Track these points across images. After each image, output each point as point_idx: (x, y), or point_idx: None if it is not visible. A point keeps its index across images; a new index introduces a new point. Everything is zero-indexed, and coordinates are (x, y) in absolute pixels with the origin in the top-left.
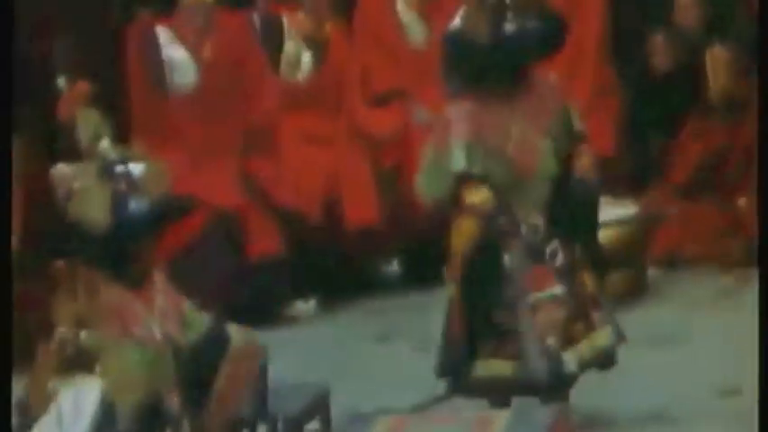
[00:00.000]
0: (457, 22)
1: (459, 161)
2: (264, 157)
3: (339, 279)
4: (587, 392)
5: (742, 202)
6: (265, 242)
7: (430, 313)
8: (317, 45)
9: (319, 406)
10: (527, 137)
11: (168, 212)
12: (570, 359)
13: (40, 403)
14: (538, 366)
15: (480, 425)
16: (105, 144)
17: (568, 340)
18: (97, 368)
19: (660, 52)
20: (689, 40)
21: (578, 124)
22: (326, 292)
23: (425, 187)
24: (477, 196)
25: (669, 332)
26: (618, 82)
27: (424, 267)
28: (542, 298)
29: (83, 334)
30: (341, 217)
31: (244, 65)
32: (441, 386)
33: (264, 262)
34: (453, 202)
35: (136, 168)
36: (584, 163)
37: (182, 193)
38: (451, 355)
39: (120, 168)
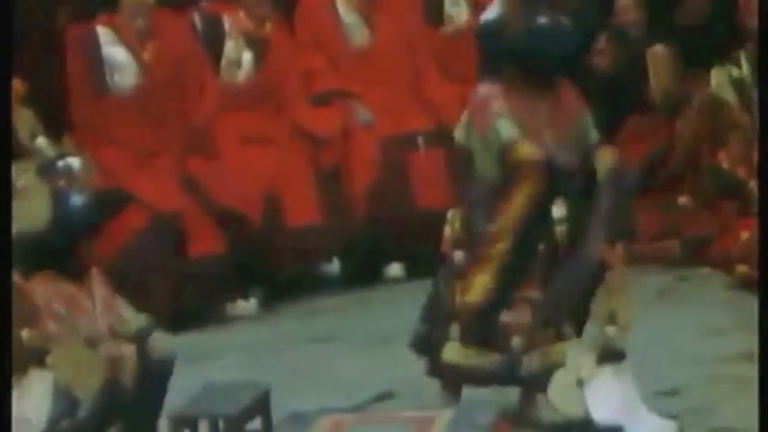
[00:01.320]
0: (493, 10)
1: (506, 129)
2: (205, 157)
3: (280, 278)
4: None
5: (683, 201)
6: (206, 242)
7: (370, 312)
8: (258, 45)
9: (260, 405)
10: (559, 131)
11: (106, 207)
12: (532, 362)
13: None
14: (497, 361)
15: (421, 424)
16: (41, 142)
17: (532, 344)
18: (48, 360)
19: (601, 53)
20: (630, 40)
21: (594, 134)
22: (267, 291)
23: (483, 165)
24: (529, 149)
25: None
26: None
27: (364, 266)
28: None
29: (24, 333)
30: (281, 216)
31: (184, 65)
32: (382, 386)
33: (205, 262)
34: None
35: (74, 163)
36: (609, 158)
37: (116, 188)
38: (428, 329)
39: (61, 164)
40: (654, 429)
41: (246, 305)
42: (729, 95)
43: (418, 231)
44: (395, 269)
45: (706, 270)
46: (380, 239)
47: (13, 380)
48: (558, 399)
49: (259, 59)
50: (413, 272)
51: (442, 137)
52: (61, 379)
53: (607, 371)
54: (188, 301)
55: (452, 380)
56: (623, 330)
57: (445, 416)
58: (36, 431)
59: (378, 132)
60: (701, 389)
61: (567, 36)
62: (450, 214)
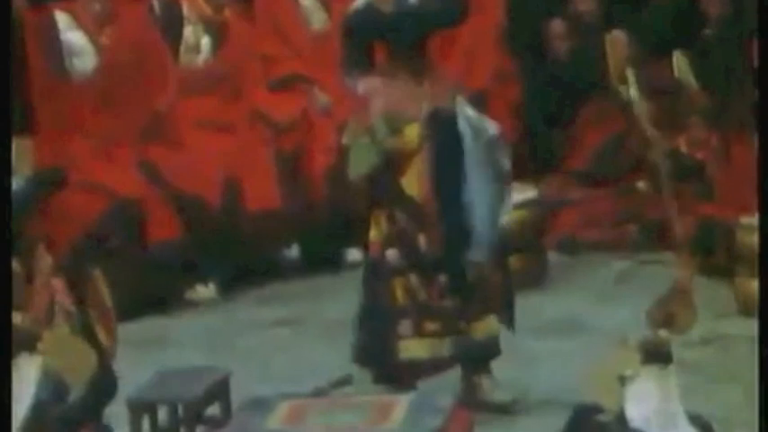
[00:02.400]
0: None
1: (381, 132)
2: (164, 142)
3: (239, 263)
4: None
5: (641, 185)
6: (166, 227)
7: (330, 298)
8: (217, 30)
9: (219, 390)
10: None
11: (41, 186)
12: (448, 347)
13: None
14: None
15: (381, 409)
16: None
17: (452, 328)
18: (39, 346)
19: (559, 38)
20: (587, 25)
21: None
22: (227, 276)
23: (355, 165)
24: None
25: (568, 317)
26: (517, 69)
27: (324, 251)
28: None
29: (16, 317)
30: (241, 201)
31: (143, 50)
32: (341, 370)
33: (165, 247)
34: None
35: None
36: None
37: (48, 166)
38: (374, 338)
39: None
40: None
41: (206, 290)
42: (690, 80)
43: None
44: (354, 254)
45: (666, 255)
46: (340, 224)
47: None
48: (595, 391)
49: (218, 44)
50: None
51: None
52: (51, 365)
53: (651, 372)
54: (148, 285)
55: (411, 376)
56: (678, 335)
57: (405, 400)
58: (22, 415)
59: (337, 117)
60: None
61: (435, 13)
62: (372, 216)
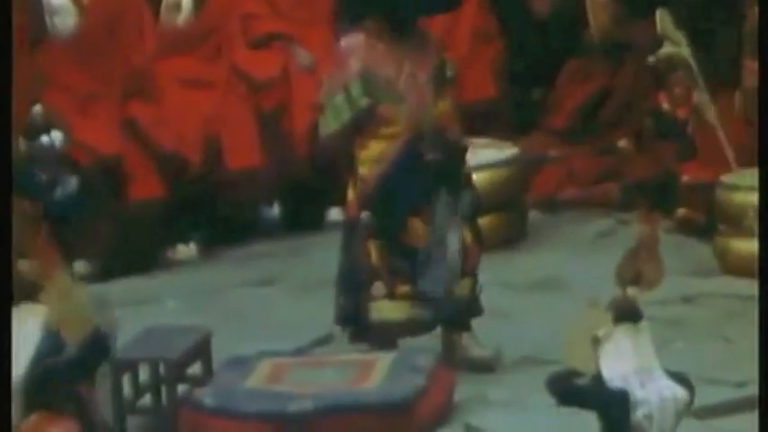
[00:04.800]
0: None
1: (357, 91)
2: (144, 101)
3: (220, 222)
4: None
5: (622, 143)
6: (146, 186)
7: (311, 257)
8: None
9: (201, 349)
10: (416, 75)
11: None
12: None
13: None
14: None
15: (362, 367)
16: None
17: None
18: (41, 297)
19: None
20: None
21: (451, 72)
22: (207, 235)
23: (326, 122)
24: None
25: (548, 275)
26: (498, 27)
27: (304, 210)
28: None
29: (21, 264)
30: (222, 160)
31: (123, 8)
32: (322, 329)
33: (145, 205)
34: (354, 133)
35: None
36: (445, 109)
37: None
38: (351, 298)
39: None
40: (664, 393)
41: (187, 249)
42: (675, 36)
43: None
44: (335, 213)
45: None
46: (321, 183)
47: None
48: (570, 355)
49: (198, 2)
50: None
51: None
52: (50, 318)
53: (624, 331)
54: (128, 245)
55: (384, 338)
56: (647, 290)
57: (386, 359)
58: (23, 365)
59: (318, 75)
60: None
61: None
62: (350, 176)
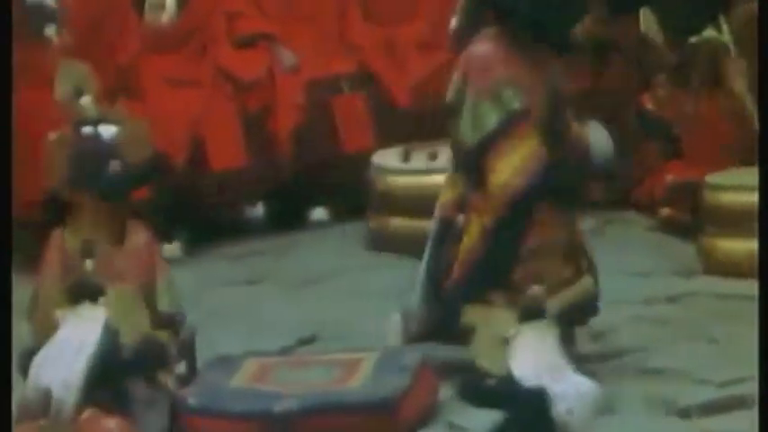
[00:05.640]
0: None
1: (510, 100)
2: (129, 100)
3: (204, 221)
4: None
5: None
6: None
7: (295, 256)
8: None
9: (185, 349)
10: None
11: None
12: (553, 306)
13: (43, 331)
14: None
15: (348, 367)
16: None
17: (556, 287)
18: (102, 299)
19: None
20: None
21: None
22: (192, 234)
23: (475, 128)
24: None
25: None
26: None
27: (288, 210)
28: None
29: (88, 263)
30: (206, 160)
31: (107, 7)
32: (306, 329)
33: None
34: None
35: (107, 131)
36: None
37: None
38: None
39: (87, 129)
40: (577, 389)
41: (171, 248)
42: (658, 36)
43: (343, 175)
44: (319, 213)
45: (630, 213)
46: (305, 183)
47: (62, 308)
48: (480, 356)
49: (182, 1)
50: (337, 216)
51: (363, 80)
52: (111, 319)
53: (530, 330)
54: None
55: None
56: (550, 287)
57: (371, 358)
58: (81, 363)
59: (302, 75)
60: (626, 331)
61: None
62: (446, 177)
